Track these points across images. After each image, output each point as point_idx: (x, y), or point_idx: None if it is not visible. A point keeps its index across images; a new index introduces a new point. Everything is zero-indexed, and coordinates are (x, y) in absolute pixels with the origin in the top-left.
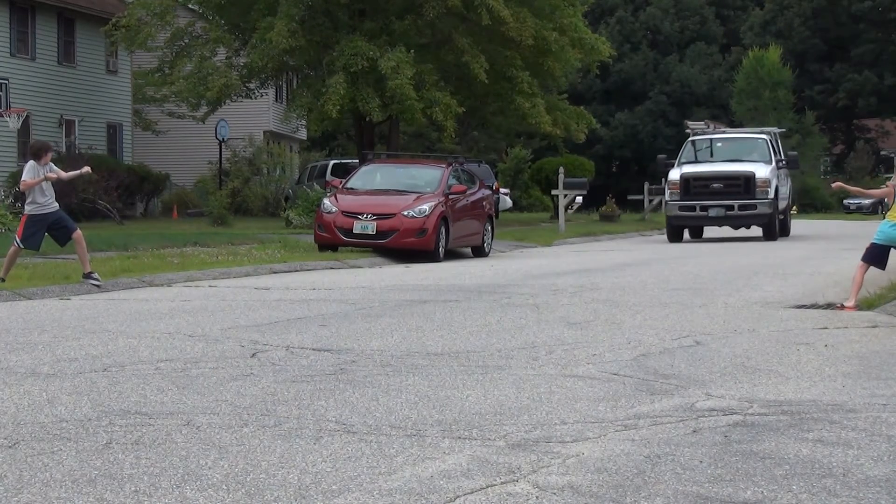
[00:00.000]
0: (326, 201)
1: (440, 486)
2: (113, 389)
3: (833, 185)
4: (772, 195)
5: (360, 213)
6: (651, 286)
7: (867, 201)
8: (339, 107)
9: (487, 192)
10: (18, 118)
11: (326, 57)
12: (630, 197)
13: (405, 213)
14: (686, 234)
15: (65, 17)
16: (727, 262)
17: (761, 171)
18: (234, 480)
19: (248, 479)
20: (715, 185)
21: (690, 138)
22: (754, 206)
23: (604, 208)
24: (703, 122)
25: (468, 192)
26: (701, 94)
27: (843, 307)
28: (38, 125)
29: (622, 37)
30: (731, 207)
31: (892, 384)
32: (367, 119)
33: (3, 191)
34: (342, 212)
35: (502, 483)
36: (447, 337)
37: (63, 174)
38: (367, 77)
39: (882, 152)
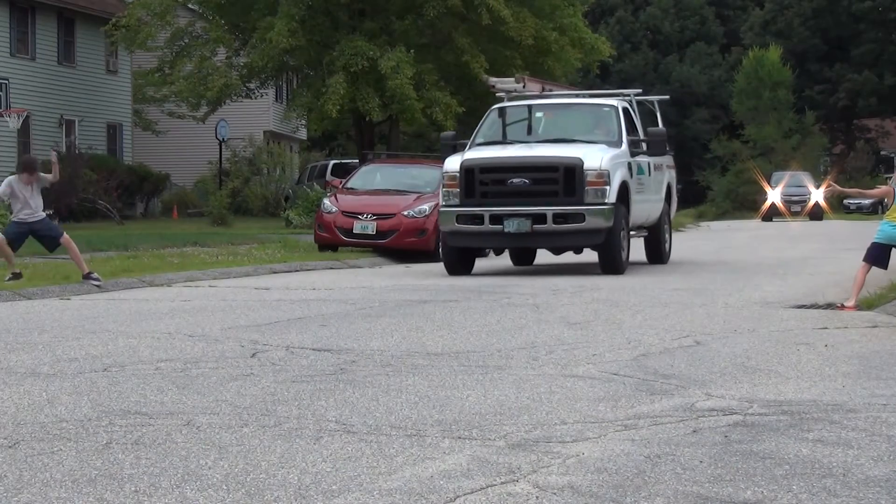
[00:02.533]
0: (326, 201)
1: (440, 486)
2: (113, 389)
3: (825, 188)
4: (612, 197)
5: (360, 213)
6: (651, 286)
7: (867, 201)
8: (339, 107)
9: None
10: (18, 118)
11: (326, 57)
12: None
13: (405, 213)
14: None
15: (65, 17)
16: (728, 261)
17: (594, 157)
18: (234, 480)
19: (248, 479)
20: (516, 181)
21: (496, 105)
22: (580, 217)
23: None
24: (512, 79)
25: None
26: (701, 94)
27: (843, 307)
28: (38, 125)
29: (622, 37)
30: (540, 218)
31: (892, 384)
32: (367, 119)
33: None
34: (342, 212)
35: (502, 483)
36: (447, 337)
37: (49, 177)
38: (367, 77)
39: (882, 152)
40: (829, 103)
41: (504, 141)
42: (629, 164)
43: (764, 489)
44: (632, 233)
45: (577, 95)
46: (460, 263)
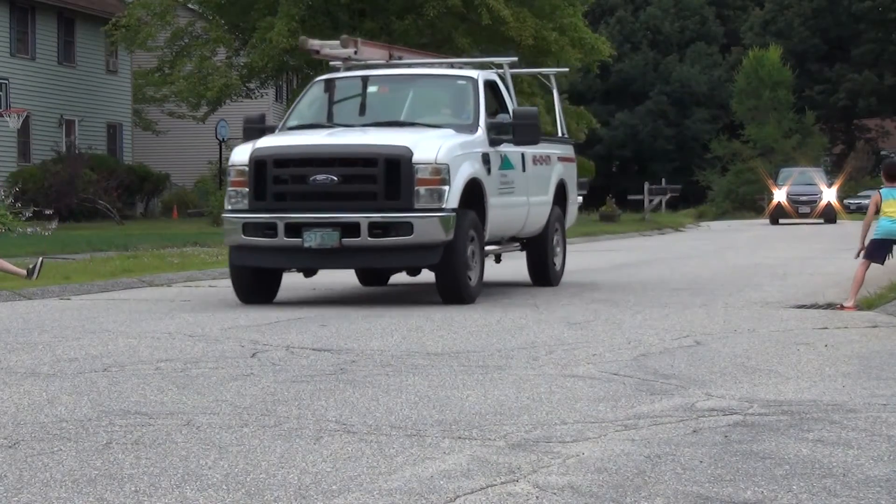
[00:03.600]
0: None
1: (440, 486)
2: (113, 389)
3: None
4: (453, 200)
5: None
6: (651, 286)
7: (867, 202)
8: None
9: None
10: (18, 118)
11: None
12: (630, 197)
13: None
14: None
15: (65, 17)
16: (727, 261)
17: (427, 146)
18: (234, 480)
19: (248, 479)
20: (320, 179)
21: (320, 77)
22: (406, 227)
23: (604, 208)
24: (337, 42)
25: None
26: (701, 94)
27: (842, 307)
28: (37, 125)
29: (622, 37)
30: (352, 228)
31: (892, 384)
32: None
33: (3, 191)
34: None
35: (502, 483)
36: (447, 337)
37: None
38: None
39: (882, 152)
40: (829, 103)
41: (327, 124)
42: (485, 155)
43: (764, 489)
44: (491, 248)
45: (432, 65)
46: (256, 288)
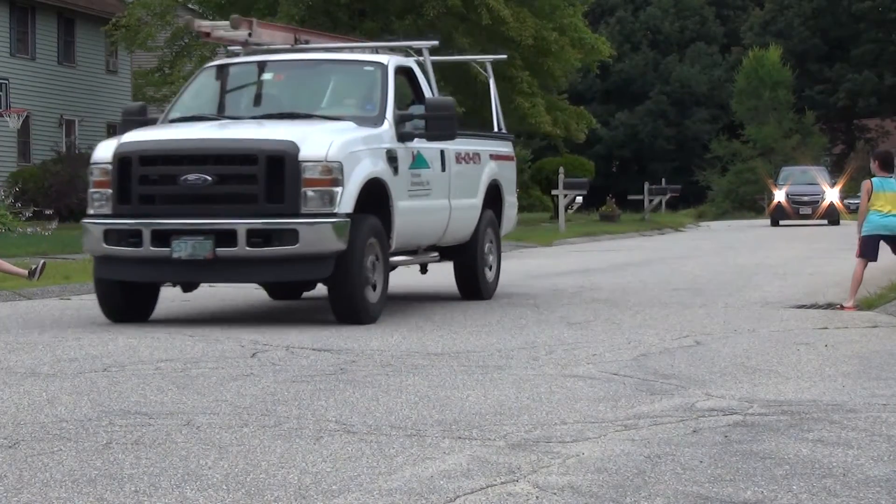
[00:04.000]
0: None
1: (440, 486)
2: (113, 389)
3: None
4: (347, 204)
5: None
6: (651, 286)
7: None
8: None
9: None
10: (18, 118)
11: None
12: (630, 197)
13: None
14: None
15: (65, 17)
16: (727, 261)
17: (317, 141)
18: (234, 480)
19: (248, 479)
20: (192, 179)
21: (211, 63)
22: (291, 235)
23: (604, 208)
24: (227, 22)
25: None
26: (701, 94)
27: (842, 307)
28: (38, 125)
29: (622, 37)
30: (228, 237)
31: (892, 384)
32: None
33: (3, 191)
34: None
35: (502, 483)
36: (447, 337)
37: None
38: None
39: None
40: (829, 103)
41: (215, 116)
42: (391, 151)
43: (764, 489)
44: (400, 259)
45: (340, 50)
46: (125, 305)
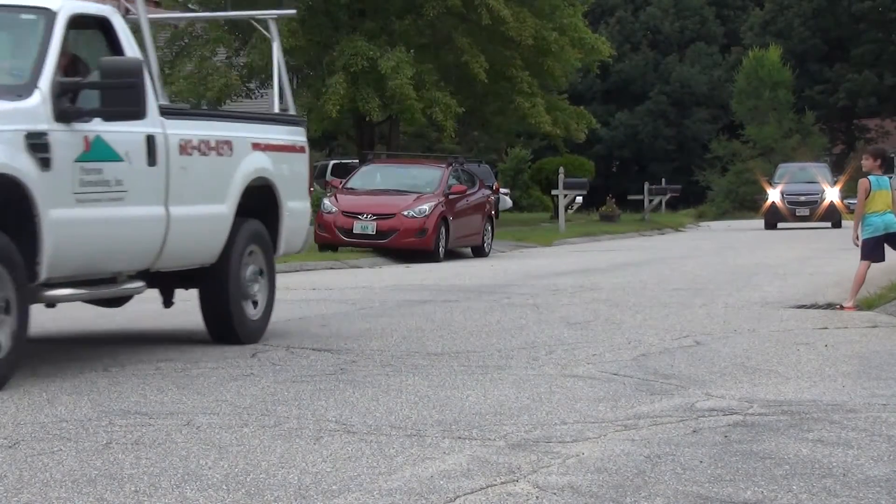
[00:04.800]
0: (326, 201)
1: (440, 486)
2: (113, 389)
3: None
4: None
5: (360, 213)
6: (651, 286)
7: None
8: (339, 107)
9: (487, 192)
10: None
11: (326, 57)
12: (630, 197)
13: (405, 213)
14: None
15: None
16: (727, 261)
17: None
18: (234, 480)
19: (248, 479)
20: None
21: None
22: None
23: (604, 208)
24: None
25: (468, 192)
26: (701, 94)
27: (842, 307)
28: None
29: (622, 37)
30: None
31: (892, 384)
32: (367, 119)
33: None
34: (342, 212)
35: (502, 483)
36: (447, 337)
37: None
38: (367, 77)
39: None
40: (829, 103)
41: None
42: (38, 135)
43: (764, 489)
44: (63, 292)
45: None
46: None
